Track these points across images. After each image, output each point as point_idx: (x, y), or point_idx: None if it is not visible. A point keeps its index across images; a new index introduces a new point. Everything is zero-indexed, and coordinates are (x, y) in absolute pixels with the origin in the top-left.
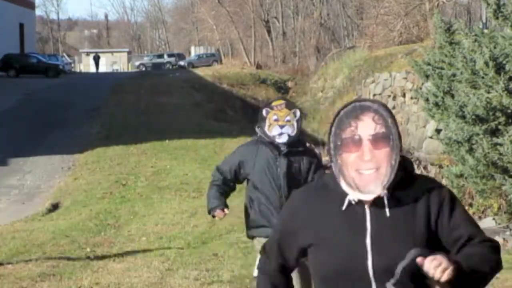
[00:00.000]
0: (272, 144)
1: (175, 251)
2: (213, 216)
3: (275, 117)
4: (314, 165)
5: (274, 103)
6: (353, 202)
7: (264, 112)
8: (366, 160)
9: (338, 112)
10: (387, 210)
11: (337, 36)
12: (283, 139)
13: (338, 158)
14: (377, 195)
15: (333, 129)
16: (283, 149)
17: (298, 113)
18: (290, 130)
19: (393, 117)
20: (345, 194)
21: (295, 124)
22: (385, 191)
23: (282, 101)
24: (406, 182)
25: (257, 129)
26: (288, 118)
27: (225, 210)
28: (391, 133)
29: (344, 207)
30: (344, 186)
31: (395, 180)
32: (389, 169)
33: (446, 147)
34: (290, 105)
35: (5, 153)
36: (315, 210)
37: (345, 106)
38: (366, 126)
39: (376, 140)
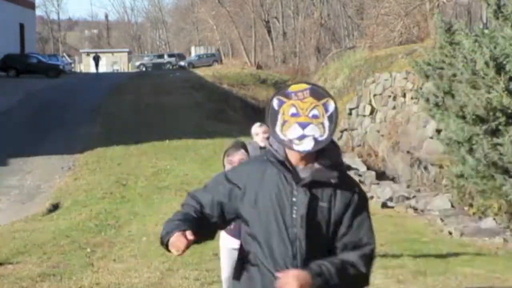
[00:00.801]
0: (283, 164)
1: None
2: (167, 248)
3: (293, 110)
4: (352, 208)
5: (291, 88)
6: None
7: (275, 103)
8: None
9: None
10: None
11: (337, 36)
12: (306, 145)
13: None
14: None
15: None
16: (304, 175)
17: (331, 106)
18: (317, 132)
19: None
20: None
21: (327, 123)
22: None
23: (305, 86)
24: None
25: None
26: (314, 112)
27: (188, 235)
28: None
29: None
30: None
31: None
32: None
33: (447, 147)
34: (318, 93)
35: (5, 153)
36: None
37: None
38: None
39: None
